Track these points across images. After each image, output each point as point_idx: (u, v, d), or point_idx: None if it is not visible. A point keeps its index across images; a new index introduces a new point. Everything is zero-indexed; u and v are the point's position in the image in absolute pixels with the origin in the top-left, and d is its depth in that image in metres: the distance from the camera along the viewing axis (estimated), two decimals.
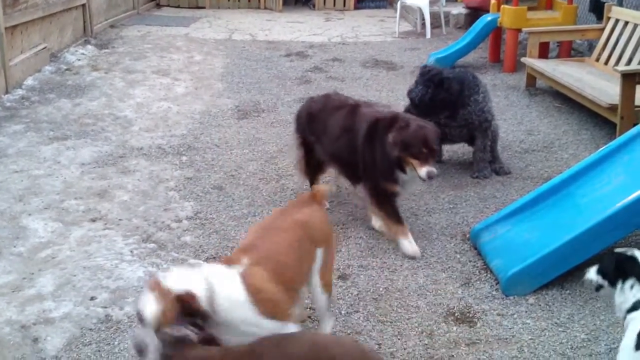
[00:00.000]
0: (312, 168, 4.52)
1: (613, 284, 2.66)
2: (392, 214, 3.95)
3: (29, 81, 7.40)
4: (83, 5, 9.77)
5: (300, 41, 10.62)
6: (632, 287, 2.58)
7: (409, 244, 3.86)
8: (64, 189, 4.68)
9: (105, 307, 3.26)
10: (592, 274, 2.75)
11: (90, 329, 3.10)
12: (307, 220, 2.82)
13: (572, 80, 6.35)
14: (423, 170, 3.69)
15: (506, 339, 3.10)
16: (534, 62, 7.27)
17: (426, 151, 3.70)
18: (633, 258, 2.63)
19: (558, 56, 8.19)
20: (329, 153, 4.30)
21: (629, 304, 2.57)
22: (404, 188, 3.97)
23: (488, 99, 5.08)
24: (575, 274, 3.50)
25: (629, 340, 2.47)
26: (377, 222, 4.17)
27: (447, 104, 4.84)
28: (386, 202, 3.97)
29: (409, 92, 4.96)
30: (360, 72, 8.46)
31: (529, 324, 3.21)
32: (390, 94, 7.43)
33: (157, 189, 4.76)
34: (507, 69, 8.28)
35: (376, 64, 8.96)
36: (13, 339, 3.02)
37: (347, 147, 4.10)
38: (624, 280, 2.61)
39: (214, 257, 3.79)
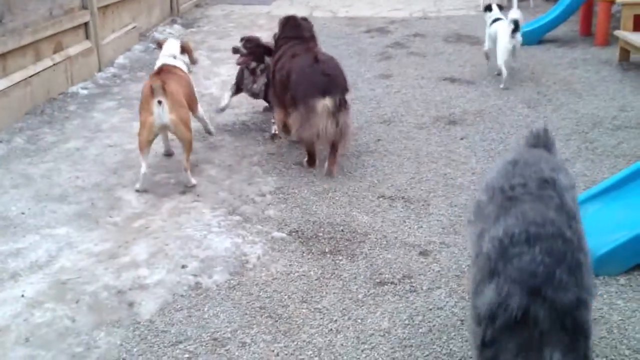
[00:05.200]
0: None
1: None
2: None
3: (120, 59, 7.72)
4: None
5: (381, 17, 10.53)
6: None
7: None
8: (155, 162, 4.87)
9: (196, 275, 3.40)
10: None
11: (182, 296, 3.25)
12: None
13: None
14: None
15: (595, 319, 3.00)
16: (627, 35, 6.93)
17: None
18: None
19: None
20: None
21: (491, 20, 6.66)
22: None
23: None
24: None
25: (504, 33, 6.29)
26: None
27: None
28: None
29: None
30: (443, 47, 8.32)
31: (619, 304, 3.11)
32: (474, 69, 7.27)
33: (241, 164, 4.89)
34: (599, 42, 7.93)
35: (459, 38, 8.78)
36: (110, 303, 3.20)
37: None
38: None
39: (297, 231, 3.88)
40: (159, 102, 4.17)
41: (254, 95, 5.59)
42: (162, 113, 4.20)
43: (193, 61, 5.13)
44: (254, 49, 5.35)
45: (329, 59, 4.76)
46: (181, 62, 4.87)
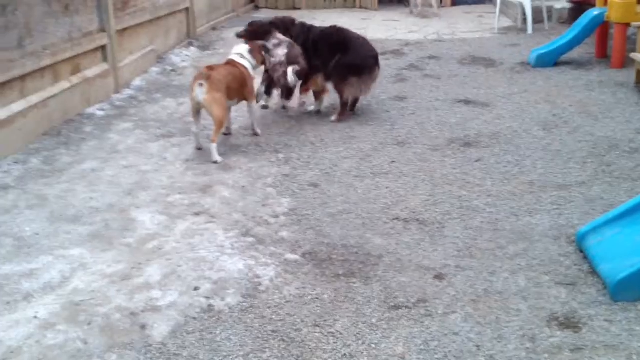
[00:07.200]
0: None
1: None
2: None
3: (137, 82, 7.79)
4: (187, 9, 10.19)
5: (396, 39, 10.57)
6: None
7: None
8: (169, 184, 4.89)
9: (208, 298, 3.38)
10: None
11: (194, 318, 3.23)
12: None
13: None
14: None
15: (614, 346, 2.95)
16: None
17: None
18: None
19: None
20: None
21: None
22: None
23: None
24: None
25: None
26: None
27: None
28: None
29: None
30: (458, 70, 8.31)
31: (638, 331, 3.04)
32: (489, 92, 7.25)
33: (255, 185, 4.88)
34: (614, 65, 7.88)
35: (474, 61, 8.78)
36: (123, 325, 3.18)
37: None
38: None
39: (310, 253, 3.85)
40: (201, 85, 5.24)
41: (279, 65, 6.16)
42: (200, 93, 5.24)
43: (259, 61, 5.97)
44: (256, 30, 6.28)
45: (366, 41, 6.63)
46: (246, 61, 5.81)
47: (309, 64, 6.21)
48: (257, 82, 6.21)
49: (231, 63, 5.71)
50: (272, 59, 6.10)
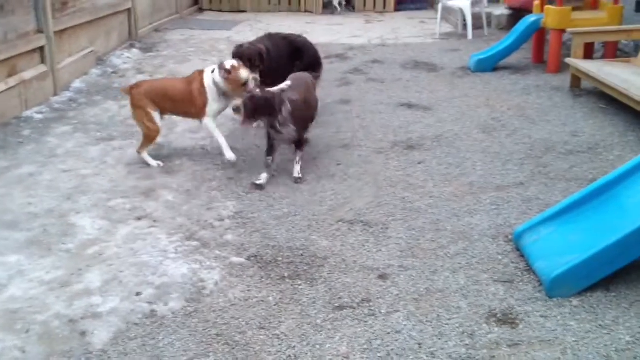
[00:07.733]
0: None
1: None
2: None
3: (77, 84, 7.62)
4: (129, 10, 10.01)
5: (340, 43, 10.65)
6: None
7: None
8: (111, 188, 4.80)
9: (151, 303, 3.34)
10: None
11: (136, 324, 3.18)
12: None
13: (618, 81, 6.23)
14: None
15: (549, 340, 3.06)
16: (578, 62, 7.16)
17: None
18: None
19: (603, 57, 8.05)
20: None
21: None
22: None
23: None
24: (620, 276, 3.44)
25: None
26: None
27: None
28: None
29: None
30: (401, 74, 8.45)
31: (573, 326, 3.16)
32: (431, 96, 7.40)
33: (200, 189, 4.84)
34: (550, 69, 8.16)
35: (416, 65, 8.93)
36: (62, 332, 3.11)
37: None
38: None
39: (255, 256, 3.84)
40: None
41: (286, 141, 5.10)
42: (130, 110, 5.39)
43: (232, 86, 5.11)
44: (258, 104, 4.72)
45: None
46: (210, 78, 5.16)
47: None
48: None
49: (191, 76, 5.29)
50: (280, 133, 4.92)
